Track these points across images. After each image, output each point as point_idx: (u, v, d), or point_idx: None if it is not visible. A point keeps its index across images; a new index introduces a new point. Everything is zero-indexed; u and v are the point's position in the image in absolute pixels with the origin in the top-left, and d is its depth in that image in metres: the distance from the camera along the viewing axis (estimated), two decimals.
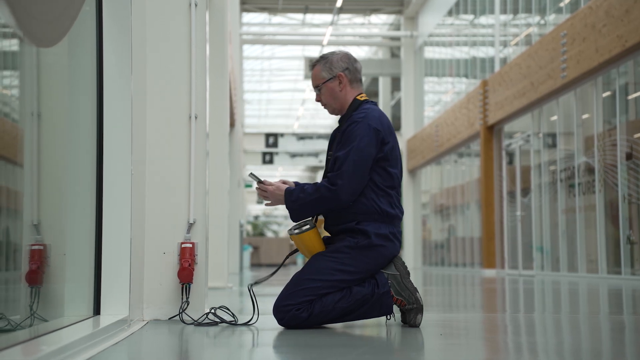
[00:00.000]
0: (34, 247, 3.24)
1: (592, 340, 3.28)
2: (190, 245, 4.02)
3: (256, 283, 3.78)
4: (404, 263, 3.66)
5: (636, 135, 9.90)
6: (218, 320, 3.75)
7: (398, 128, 22.90)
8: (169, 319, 3.98)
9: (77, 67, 3.60)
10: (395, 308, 3.68)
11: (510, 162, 15.06)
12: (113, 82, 3.67)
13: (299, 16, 24.41)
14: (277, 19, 24.86)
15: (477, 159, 16.38)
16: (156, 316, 3.99)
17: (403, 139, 22.11)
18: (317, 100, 3.84)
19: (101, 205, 3.61)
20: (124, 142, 3.67)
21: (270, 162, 28.87)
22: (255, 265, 26.16)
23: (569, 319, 4.27)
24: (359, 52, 27.39)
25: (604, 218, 10.78)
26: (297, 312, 3.49)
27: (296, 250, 3.79)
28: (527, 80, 13.05)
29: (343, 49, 3.99)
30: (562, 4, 12.68)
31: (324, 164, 29.62)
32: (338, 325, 3.66)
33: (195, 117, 4.11)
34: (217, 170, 8.16)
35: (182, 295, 3.97)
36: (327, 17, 23.89)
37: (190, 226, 4.06)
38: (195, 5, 4.16)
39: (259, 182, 3.71)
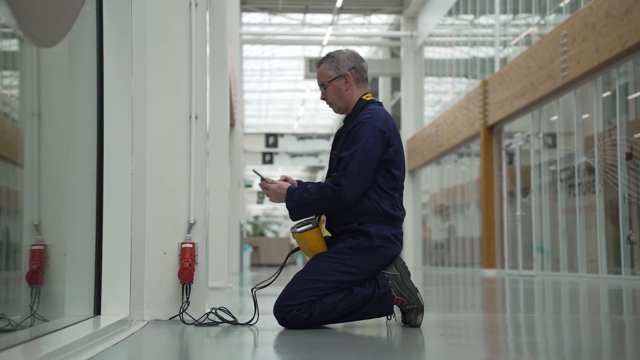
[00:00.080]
0: (34, 247, 3.25)
1: (592, 340, 3.28)
2: (191, 246, 4.02)
3: (259, 287, 3.75)
4: (404, 263, 3.66)
5: (636, 135, 9.90)
6: (219, 320, 3.75)
7: (398, 128, 22.88)
8: (170, 319, 3.98)
9: (77, 67, 3.60)
10: (396, 308, 3.68)
11: (510, 162, 15.06)
12: (113, 82, 3.67)
13: (299, 16, 24.41)
14: (277, 19, 24.85)
15: (477, 159, 16.39)
16: (157, 316, 3.99)
17: (403, 139, 22.08)
18: (323, 98, 3.82)
19: (101, 205, 3.61)
20: (125, 142, 3.67)
21: (270, 162, 28.89)
22: (255, 265, 26.15)
23: (569, 319, 4.27)
24: (359, 52, 27.36)
25: (604, 218, 10.78)
26: (298, 312, 3.49)
27: (297, 249, 3.79)
28: (527, 80, 13.05)
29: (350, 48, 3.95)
30: (562, 4, 12.68)
31: (324, 164, 29.61)
32: (338, 325, 3.66)
33: (196, 117, 4.11)
34: (217, 171, 8.16)
35: (183, 295, 3.97)
36: (327, 17, 23.88)
37: (190, 226, 4.06)
38: (196, 5, 4.16)
39: (262, 179, 3.70)
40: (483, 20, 16.99)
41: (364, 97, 3.75)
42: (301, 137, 28.14)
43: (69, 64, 3.54)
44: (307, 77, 23.14)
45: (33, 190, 3.28)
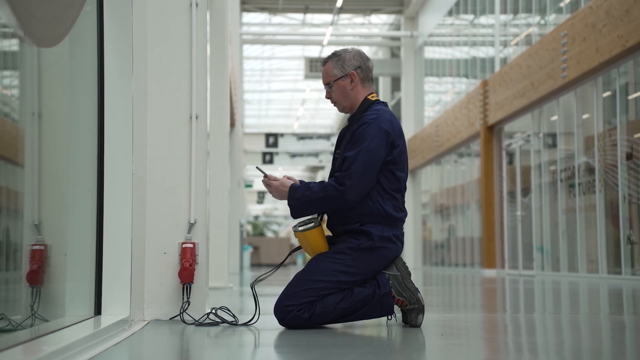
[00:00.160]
0: (34, 247, 3.25)
1: (592, 340, 3.28)
2: (191, 245, 4.02)
3: (258, 280, 3.76)
4: (404, 263, 3.65)
5: (636, 135, 9.90)
6: (219, 320, 3.75)
7: None
8: (170, 319, 3.98)
9: (77, 67, 3.60)
10: (396, 308, 3.67)
11: (511, 162, 15.07)
12: (114, 82, 3.67)
13: (299, 16, 24.41)
14: (277, 19, 24.85)
15: (477, 159, 16.39)
16: (157, 316, 3.99)
17: None
18: (327, 97, 3.80)
19: (102, 205, 3.61)
20: (125, 142, 3.67)
21: (271, 162, 28.89)
22: (255, 265, 26.16)
23: (569, 319, 4.27)
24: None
25: (604, 218, 10.78)
26: (299, 312, 3.49)
27: (299, 248, 3.79)
28: (527, 80, 13.05)
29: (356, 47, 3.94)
30: (562, 4, 12.68)
31: (324, 164, 29.53)
32: (339, 325, 3.66)
33: (196, 117, 4.11)
34: (217, 170, 8.16)
35: (183, 295, 3.97)
36: (327, 17, 23.89)
37: (191, 226, 4.06)
38: (196, 5, 4.16)
39: (265, 175, 3.70)
40: (483, 20, 17.00)
41: (369, 97, 3.74)
42: (301, 137, 28.14)
43: (70, 63, 3.54)
44: (307, 77, 23.13)
45: (33, 190, 3.29)
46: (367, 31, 26.36)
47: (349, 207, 3.59)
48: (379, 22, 25.55)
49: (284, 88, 32.34)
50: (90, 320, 3.34)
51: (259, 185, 38.57)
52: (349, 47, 3.87)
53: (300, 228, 3.61)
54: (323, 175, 38.67)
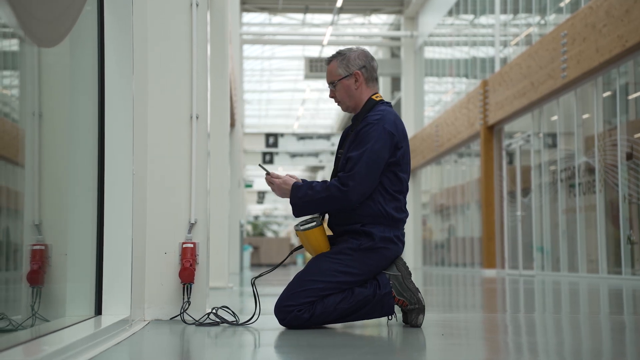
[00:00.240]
0: (35, 247, 3.25)
1: (592, 340, 3.28)
2: (192, 245, 4.02)
3: (259, 276, 3.75)
4: (405, 263, 3.65)
5: (636, 135, 9.90)
6: (219, 320, 3.75)
7: None
8: (171, 319, 3.98)
9: (78, 67, 3.60)
10: (397, 308, 3.67)
11: (511, 162, 15.07)
12: (114, 82, 3.67)
13: (299, 16, 24.41)
14: (277, 19, 24.85)
15: (477, 159, 16.39)
16: (157, 316, 3.99)
17: None
18: (331, 96, 3.79)
19: (102, 205, 3.61)
20: (125, 142, 3.67)
21: (271, 162, 28.89)
22: (255, 265, 26.16)
23: (570, 319, 4.27)
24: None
25: (604, 218, 10.78)
26: (299, 313, 3.49)
27: (300, 247, 3.78)
28: (527, 80, 13.05)
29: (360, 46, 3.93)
30: (562, 4, 12.68)
31: (324, 164, 29.51)
32: (339, 325, 3.66)
33: (197, 117, 4.12)
34: (217, 170, 8.16)
35: (184, 295, 3.97)
36: (327, 17, 23.89)
37: (191, 226, 4.06)
38: (197, 5, 4.16)
39: (267, 173, 3.70)
40: (483, 20, 17.00)
41: (374, 97, 3.73)
42: (301, 137, 28.14)
43: (70, 63, 3.53)
44: (307, 77, 23.14)
45: (34, 190, 3.29)
46: (367, 31, 26.36)
47: (351, 208, 3.59)
48: (379, 22, 25.55)
49: (284, 88, 32.34)
50: (90, 320, 3.34)
51: (259, 185, 38.60)
52: (354, 46, 3.86)
53: (302, 227, 3.61)
54: (323, 175, 38.67)
